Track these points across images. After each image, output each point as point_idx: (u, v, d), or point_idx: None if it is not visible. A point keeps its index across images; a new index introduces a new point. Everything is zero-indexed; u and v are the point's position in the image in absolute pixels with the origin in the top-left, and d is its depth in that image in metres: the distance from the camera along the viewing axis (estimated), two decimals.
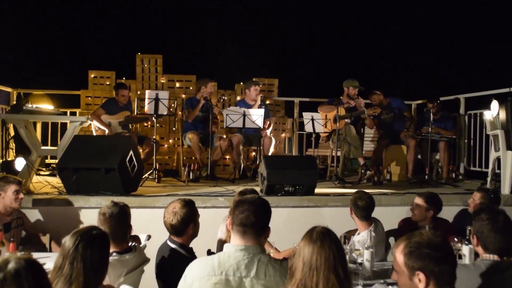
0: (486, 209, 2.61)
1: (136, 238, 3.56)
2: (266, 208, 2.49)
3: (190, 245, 3.18)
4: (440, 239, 1.95)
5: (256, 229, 2.39)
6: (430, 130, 6.57)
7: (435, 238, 1.93)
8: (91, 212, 4.64)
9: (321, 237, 2.10)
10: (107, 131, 6.79)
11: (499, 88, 6.88)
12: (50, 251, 4.31)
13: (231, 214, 2.50)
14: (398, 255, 1.97)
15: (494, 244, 2.48)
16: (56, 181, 5.57)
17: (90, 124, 7.03)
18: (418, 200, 4.21)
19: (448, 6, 12.70)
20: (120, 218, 2.98)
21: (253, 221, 2.38)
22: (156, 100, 6.35)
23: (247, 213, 2.38)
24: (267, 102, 8.34)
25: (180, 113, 7.40)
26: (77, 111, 8.16)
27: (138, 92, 8.18)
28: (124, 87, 7.18)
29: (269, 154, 7.03)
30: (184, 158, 7.64)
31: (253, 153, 8.11)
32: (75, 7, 10.92)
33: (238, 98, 8.36)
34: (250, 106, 7.03)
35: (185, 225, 3.04)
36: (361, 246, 3.38)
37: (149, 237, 3.75)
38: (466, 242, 3.28)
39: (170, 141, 8.24)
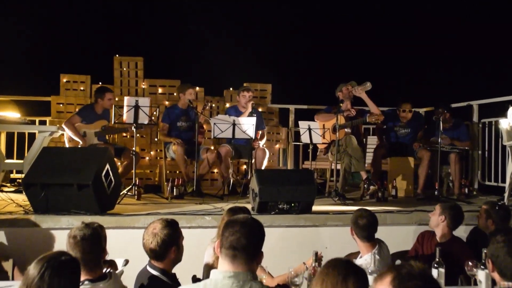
0: (502, 230, 2.59)
1: (112, 264, 3.50)
2: (260, 230, 2.46)
3: (173, 271, 3.14)
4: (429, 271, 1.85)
5: (247, 254, 2.36)
6: (440, 140, 6.57)
7: (426, 270, 1.84)
8: (61, 234, 4.58)
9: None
10: (81, 143, 6.74)
11: None
12: (13, 279, 4.24)
13: (219, 235, 2.47)
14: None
15: (511, 269, 2.46)
16: (22, 198, 5.50)
17: (62, 134, 6.98)
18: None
19: (459, 8, 12.85)
20: (93, 241, 2.93)
21: (245, 244, 2.34)
22: (136, 107, 6.32)
23: (238, 235, 2.35)
24: (259, 109, 8.33)
25: (160, 123, 7.38)
26: (47, 119, 8.09)
27: (116, 99, 8.13)
28: (110, 90, 7.13)
29: (262, 167, 7.01)
30: (168, 172, 7.60)
31: (244, 167, 8.09)
32: (45, 4, 10.88)
33: (228, 105, 8.36)
34: (240, 114, 7.03)
35: (167, 249, 3.00)
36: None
37: (126, 261, 3.70)
38: (482, 266, 3.27)
39: (152, 153, 8.21)
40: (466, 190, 7.01)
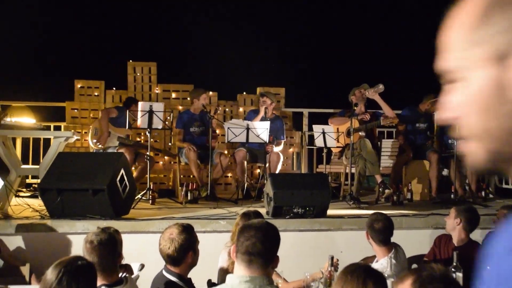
0: None
1: (128, 268, 3.52)
2: (275, 235, 2.47)
3: (189, 275, 3.15)
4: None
5: (263, 258, 2.36)
6: (454, 143, 6.53)
7: (447, 272, 1.83)
8: (77, 239, 4.61)
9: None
10: (105, 135, 6.81)
11: None
12: (29, 283, 4.27)
13: (233, 239, 2.47)
14: None
15: None
16: (38, 203, 5.55)
17: (77, 140, 7.04)
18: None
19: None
20: (109, 246, 2.95)
21: (261, 249, 2.35)
22: (150, 112, 6.35)
23: (253, 240, 2.36)
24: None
25: (176, 129, 7.42)
26: (62, 125, 8.18)
27: None
28: (137, 102, 7.13)
29: (277, 171, 7.01)
30: (182, 176, 7.62)
31: (258, 171, 8.09)
32: (58, 11, 10.99)
33: (241, 109, 8.40)
34: (262, 118, 7.06)
35: (184, 254, 3.00)
36: None
37: (142, 266, 3.72)
38: None
39: (166, 157, 8.23)
40: (483, 193, 6.96)
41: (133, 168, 7.13)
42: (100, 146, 6.84)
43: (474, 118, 0.79)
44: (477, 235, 4.79)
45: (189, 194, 6.39)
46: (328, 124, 7.07)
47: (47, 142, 7.69)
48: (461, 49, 0.80)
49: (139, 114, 6.39)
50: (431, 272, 1.81)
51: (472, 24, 0.79)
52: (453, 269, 3.44)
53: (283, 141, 7.45)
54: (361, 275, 2.01)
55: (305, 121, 8.62)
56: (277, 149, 7.19)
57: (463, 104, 0.80)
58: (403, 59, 12.70)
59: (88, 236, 3.00)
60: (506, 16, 0.76)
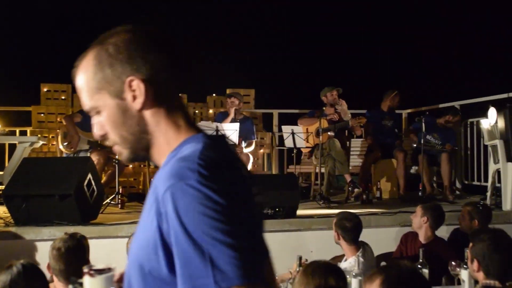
0: (485, 229, 2.63)
1: None
2: None
3: None
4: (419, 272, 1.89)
5: None
6: (422, 141, 6.64)
7: (415, 269, 1.87)
8: (43, 245, 4.53)
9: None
10: (75, 139, 6.68)
11: (497, 94, 7.02)
12: None
13: None
14: None
15: (497, 266, 2.49)
16: (2, 210, 5.44)
17: (44, 144, 6.93)
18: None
19: (439, 9, 13.01)
20: (77, 253, 2.92)
21: None
22: None
23: None
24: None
25: None
26: (28, 129, 8.02)
27: None
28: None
29: None
30: (151, 180, 7.55)
31: None
32: (23, 12, 10.79)
33: (211, 111, 8.38)
34: (234, 120, 7.06)
35: None
36: (348, 274, 3.38)
37: None
38: (464, 266, 3.30)
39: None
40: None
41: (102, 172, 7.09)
42: (72, 149, 6.74)
43: (113, 132, 1.23)
44: (443, 231, 4.90)
45: None
46: (297, 125, 7.11)
47: (12, 147, 7.55)
48: (93, 93, 1.22)
49: None
50: (399, 270, 1.84)
51: (93, 74, 1.21)
52: (419, 266, 3.50)
53: (254, 141, 7.45)
54: (322, 273, 2.04)
55: (275, 122, 8.65)
56: (248, 149, 7.20)
57: (105, 124, 1.23)
58: (373, 59, 12.89)
59: (55, 242, 2.96)
60: (112, 68, 1.20)
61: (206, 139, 1.18)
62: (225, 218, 1.03)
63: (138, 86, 1.18)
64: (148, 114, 1.21)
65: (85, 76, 1.22)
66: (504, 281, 2.49)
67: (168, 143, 1.22)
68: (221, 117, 7.24)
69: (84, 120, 6.94)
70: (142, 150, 1.24)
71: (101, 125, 1.24)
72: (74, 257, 2.88)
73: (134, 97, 1.19)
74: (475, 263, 2.59)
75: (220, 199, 1.05)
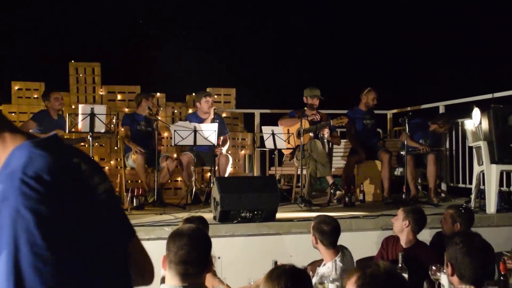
0: (460, 232, 2.62)
1: None
2: (206, 240, 2.46)
3: None
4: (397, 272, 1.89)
5: (199, 266, 2.35)
6: (406, 142, 6.65)
7: (392, 270, 1.88)
8: None
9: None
10: None
11: (481, 94, 7.06)
12: None
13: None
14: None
15: (470, 270, 2.48)
16: None
17: None
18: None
19: (423, 9, 13.11)
20: None
21: (195, 257, 2.32)
22: (92, 115, 6.19)
23: (187, 248, 2.32)
24: (224, 115, 8.30)
25: (122, 129, 7.26)
26: None
27: (73, 107, 8.00)
28: (55, 90, 7.10)
29: (226, 174, 6.96)
30: (129, 181, 7.49)
31: (209, 174, 8.03)
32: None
33: (190, 110, 8.30)
34: (202, 121, 6.97)
35: None
36: (326, 279, 3.35)
37: None
38: (444, 270, 3.29)
39: (112, 162, 8.08)
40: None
41: None
42: None
43: None
44: (425, 235, 4.89)
45: (135, 200, 6.29)
46: (278, 125, 7.07)
47: None
48: None
49: (80, 117, 6.22)
50: (377, 269, 1.84)
51: None
52: (398, 270, 3.47)
53: (227, 135, 7.41)
54: (287, 278, 2.01)
55: (257, 122, 8.60)
56: (224, 148, 7.15)
57: None
58: (354, 59, 12.94)
59: None
60: None
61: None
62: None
63: None
64: None
65: None
66: (479, 285, 2.47)
67: None
68: (193, 118, 7.10)
69: (40, 122, 6.84)
70: None
71: None
72: None
73: None
74: (449, 267, 2.58)
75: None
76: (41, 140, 1.25)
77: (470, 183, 7.01)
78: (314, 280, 3.70)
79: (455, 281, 2.55)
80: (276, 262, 3.44)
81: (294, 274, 2.09)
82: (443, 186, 7.87)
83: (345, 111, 7.51)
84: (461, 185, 7.59)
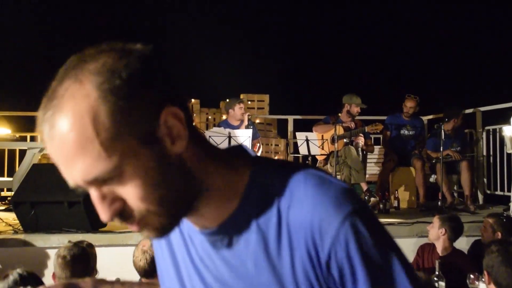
0: (497, 240, 2.64)
1: None
2: None
3: None
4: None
5: None
6: (441, 150, 6.61)
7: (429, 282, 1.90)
8: (52, 253, 4.58)
9: None
10: None
11: None
12: None
13: None
14: None
15: (506, 279, 2.50)
16: (11, 217, 5.52)
17: None
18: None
19: (460, 12, 12.95)
20: (82, 261, 2.97)
21: None
22: None
23: None
24: (257, 121, 8.39)
25: None
26: (39, 135, 8.12)
27: None
28: None
29: None
30: None
31: None
32: (44, 12, 10.93)
33: (224, 116, 8.41)
34: (233, 128, 7.06)
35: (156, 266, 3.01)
36: None
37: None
38: (483, 279, 3.29)
39: None
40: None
41: None
42: None
43: (146, 197, 0.83)
44: (462, 243, 4.86)
45: None
46: (312, 131, 7.12)
47: (23, 153, 7.66)
48: (108, 147, 0.79)
49: None
50: None
51: (102, 117, 0.79)
52: (435, 278, 3.49)
53: (259, 138, 7.50)
54: None
55: (290, 128, 8.65)
56: (258, 153, 7.22)
57: (131, 190, 0.83)
58: (391, 64, 12.86)
59: (60, 250, 3.01)
60: (133, 102, 0.81)
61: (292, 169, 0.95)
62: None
63: (176, 120, 0.85)
64: (189, 154, 0.88)
65: (82, 122, 0.79)
66: None
67: (228, 183, 0.93)
68: (225, 125, 7.18)
69: None
70: (186, 208, 0.89)
71: (116, 197, 0.86)
72: (80, 266, 2.93)
73: (172, 138, 0.84)
74: (486, 275, 2.60)
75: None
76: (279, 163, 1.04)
77: (509, 190, 6.93)
78: None
79: None
80: None
81: None
82: (480, 194, 7.78)
83: (380, 118, 7.50)
84: (498, 192, 7.50)
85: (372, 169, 7.83)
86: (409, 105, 7.34)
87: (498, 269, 2.53)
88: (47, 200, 4.81)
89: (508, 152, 6.46)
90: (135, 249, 3.12)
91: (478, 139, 7.80)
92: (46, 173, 5.17)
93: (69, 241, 3.07)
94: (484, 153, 7.74)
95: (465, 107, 7.88)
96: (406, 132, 7.38)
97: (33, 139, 8.09)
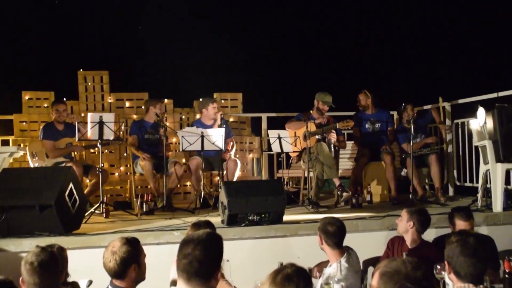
0: (457, 232, 2.71)
1: (74, 285, 3.52)
2: (215, 248, 2.48)
3: None
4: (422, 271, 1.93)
5: (201, 276, 2.37)
6: (412, 144, 6.72)
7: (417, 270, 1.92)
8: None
9: (286, 283, 2.11)
10: (45, 162, 6.75)
11: (486, 93, 7.10)
12: None
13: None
14: (375, 275, 1.98)
15: (464, 268, 2.57)
16: None
17: (25, 154, 6.95)
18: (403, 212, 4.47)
19: (426, 9, 13.13)
20: (50, 266, 2.96)
21: (197, 268, 2.36)
22: (100, 123, 6.31)
23: (190, 259, 2.37)
24: (231, 119, 8.42)
25: (129, 137, 7.40)
26: (10, 138, 8.03)
27: (82, 115, 8.12)
28: (59, 101, 7.25)
29: (235, 178, 7.06)
30: (138, 187, 7.62)
31: (217, 178, 8.13)
32: (2, 19, 10.77)
33: (198, 116, 8.42)
34: (207, 127, 7.07)
35: (126, 267, 3.01)
36: (331, 279, 3.43)
37: (90, 282, 3.72)
38: None
39: (122, 168, 8.20)
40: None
41: (87, 181, 7.13)
42: (45, 164, 6.77)
43: None
44: (431, 235, 4.97)
45: (144, 205, 6.39)
46: (285, 129, 7.16)
47: None
48: None
49: (89, 125, 6.36)
50: (401, 262, 1.93)
51: None
52: None
53: (233, 137, 7.53)
54: (283, 281, 2.10)
55: (264, 125, 8.68)
56: (232, 152, 7.26)
57: None
58: (359, 60, 12.98)
59: (27, 256, 2.99)
60: None
61: None
62: None
63: None
64: None
65: None
66: (478, 283, 2.56)
67: None
68: (198, 125, 7.15)
69: (48, 136, 6.96)
70: None
71: None
72: (48, 271, 2.91)
73: None
74: (447, 265, 2.67)
75: None
76: None
77: (477, 182, 7.07)
78: (321, 281, 3.79)
79: (454, 279, 2.64)
80: (281, 264, 3.51)
81: (290, 275, 2.16)
82: (450, 186, 7.91)
83: (352, 114, 7.59)
84: (468, 184, 7.64)
85: (345, 164, 7.91)
86: (360, 98, 7.49)
87: (457, 259, 2.60)
88: (18, 204, 4.78)
89: (475, 145, 6.58)
90: (105, 250, 3.12)
91: (442, 133, 7.90)
92: (16, 177, 5.14)
93: (37, 246, 3.05)
94: (454, 146, 7.87)
95: (436, 101, 8.00)
96: (371, 126, 7.48)
97: (4, 142, 7.98)
